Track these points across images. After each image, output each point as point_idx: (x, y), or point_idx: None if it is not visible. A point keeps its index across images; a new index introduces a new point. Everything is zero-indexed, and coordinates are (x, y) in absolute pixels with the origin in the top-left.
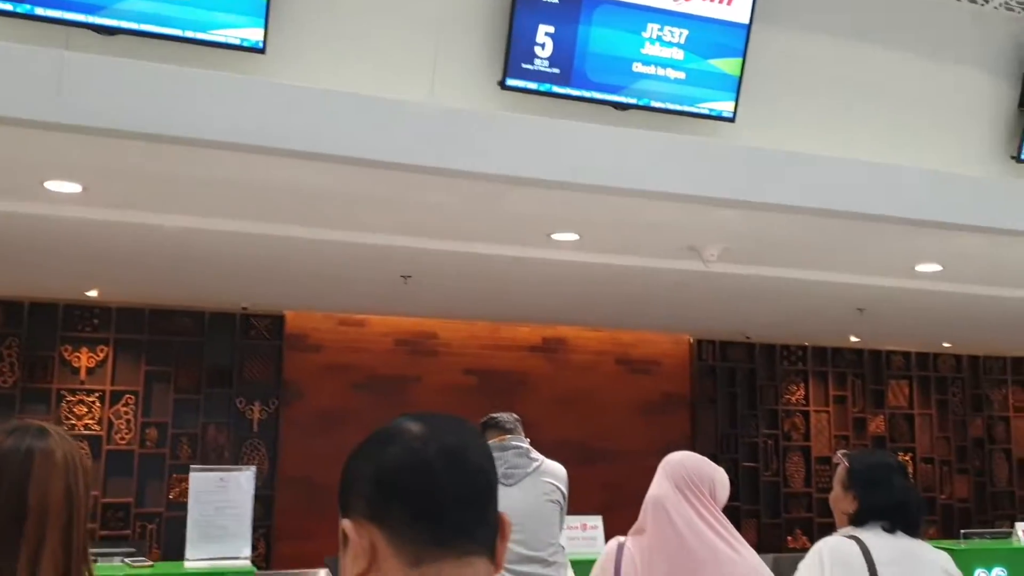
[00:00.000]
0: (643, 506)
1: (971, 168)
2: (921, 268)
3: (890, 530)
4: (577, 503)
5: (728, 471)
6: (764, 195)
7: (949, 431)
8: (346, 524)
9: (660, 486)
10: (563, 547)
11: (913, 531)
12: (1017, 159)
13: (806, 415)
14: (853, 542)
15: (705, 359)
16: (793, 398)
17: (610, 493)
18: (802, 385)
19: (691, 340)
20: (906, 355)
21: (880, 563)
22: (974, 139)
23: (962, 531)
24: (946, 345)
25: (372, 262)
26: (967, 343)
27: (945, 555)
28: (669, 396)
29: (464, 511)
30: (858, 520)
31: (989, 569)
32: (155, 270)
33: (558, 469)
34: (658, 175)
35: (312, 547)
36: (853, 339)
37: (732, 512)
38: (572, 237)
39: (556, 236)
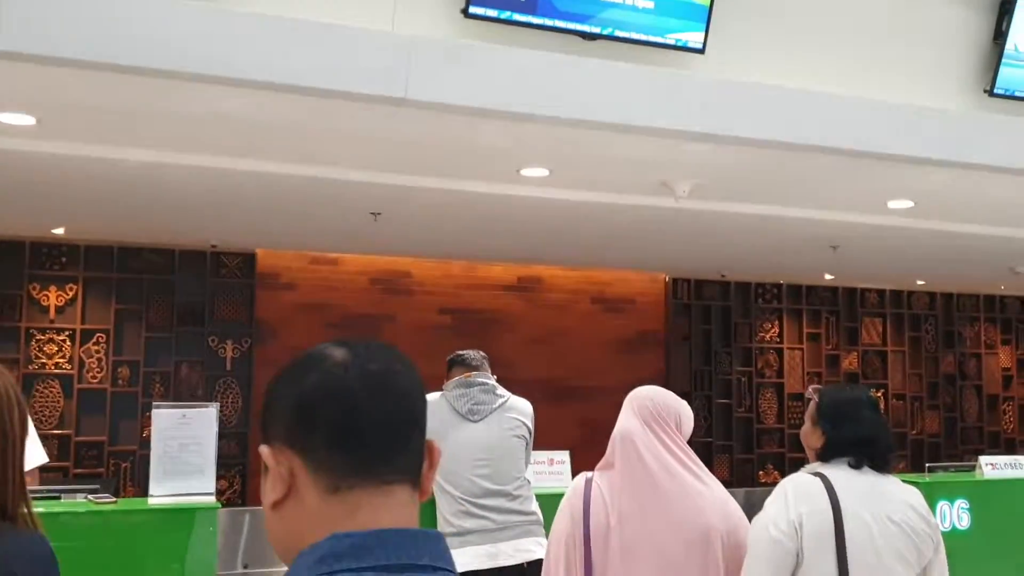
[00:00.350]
0: (611, 441)
1: (944, 102)
2: (893, 204)
3: (856, 466)
4: (552, 440)
5: (701, 408)
6: (734, 129)
7: (921, 368)
8: (264, 450)
9: (628, 420)
10: (528, 481)
11: (881, 467)
12: (990, 93)
13: (780, 352)
14: (818, 479)
15: (680, 297)
16: (767, 336)
17: (585, 430)
18: (776, 323)
19: (666, 279)
20: (880, 293)
21: (844, 499)
22: (947, 72)
23: (927, 465)
24: (920, 283)
25: (341, 198)
26: (940, 281)
27: (914, 491)
28: (644, 334)
29: (385, 438)
30: (825, 455)
31: (952, 501)
32: (120, 207)
33: (524, 405)
34: (626, 108)
35: None
36: (828, 277)
37: (705, 447)
38: (542, 172)
39: (526, 171)
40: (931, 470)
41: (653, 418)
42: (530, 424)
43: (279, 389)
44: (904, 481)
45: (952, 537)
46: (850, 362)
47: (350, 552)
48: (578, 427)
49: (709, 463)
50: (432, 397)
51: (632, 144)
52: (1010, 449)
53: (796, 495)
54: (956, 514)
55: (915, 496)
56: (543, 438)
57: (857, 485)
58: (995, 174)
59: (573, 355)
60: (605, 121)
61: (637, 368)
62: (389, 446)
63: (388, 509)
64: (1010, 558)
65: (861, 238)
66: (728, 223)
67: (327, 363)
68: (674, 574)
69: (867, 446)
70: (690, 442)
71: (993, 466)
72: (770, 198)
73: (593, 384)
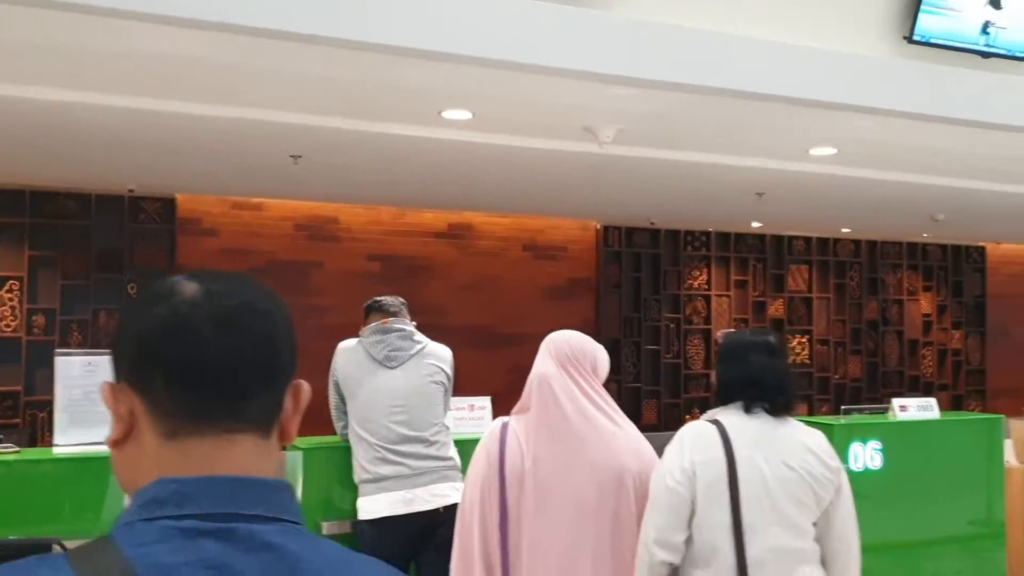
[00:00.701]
0: (527, 385)
1: (864, 48)
2: (815, 152)
3: (748, 410)
4: (482, 386)
5: (631, 354)
6: (655, 72)
7: (845, 314)
8: (104, 388)
9: (545, 364)
10: (447, 427)
11: (776, 411)
12: (909, 39)
13: (708, 299)
14: (713, 426)
15: (611, 245)
16: (696, 283)
17: (516, 376)
18: (705, 270)
19: (598, 226)
20: (807, 240)
21: (738, 444)
22: (867, 19)
23: (842, 408)
24: (845, 230)
25: (259, 140)
26: (865, 228)
27: (816, 435)
28: (575, 281)
29: (232, 384)
30: (719, 398)
31: (865, 442)
32: (30, 149)
33: (442, 351)
34: (547, 49)
35: None
36: (755, 225)
37: (634, 393)
38: (464, 115)
39: (447, 114)
40: (846, 412)
41: (569, 361)
42: (449, 370)
43: (124, 323)
44: (819, 424)
45: (865, 477)
46: (776, 308)
47: (172, 499)
48: (508, 373)
49: (638, 408)
50: (348, 344)
51: (554, 87)
52: (928, 392)
53: (691, 443)
54: (869, 455)
55: (816, 440)
56: (473, 385)
57: (751, 430)
58: (915, 121)
59: (504, 302)
60: (526, 63)
61: (568, 315)
62: (237, 393)
63: (229, 457)
64: (920, 496)
65: (785, 185)
66: (654, 170)
67: (175, 298)
68: (588, 515)
69: (752, 388)
70: (619, 387)
71: (904, 408)
72: (694, 145)
73: (524, 331)
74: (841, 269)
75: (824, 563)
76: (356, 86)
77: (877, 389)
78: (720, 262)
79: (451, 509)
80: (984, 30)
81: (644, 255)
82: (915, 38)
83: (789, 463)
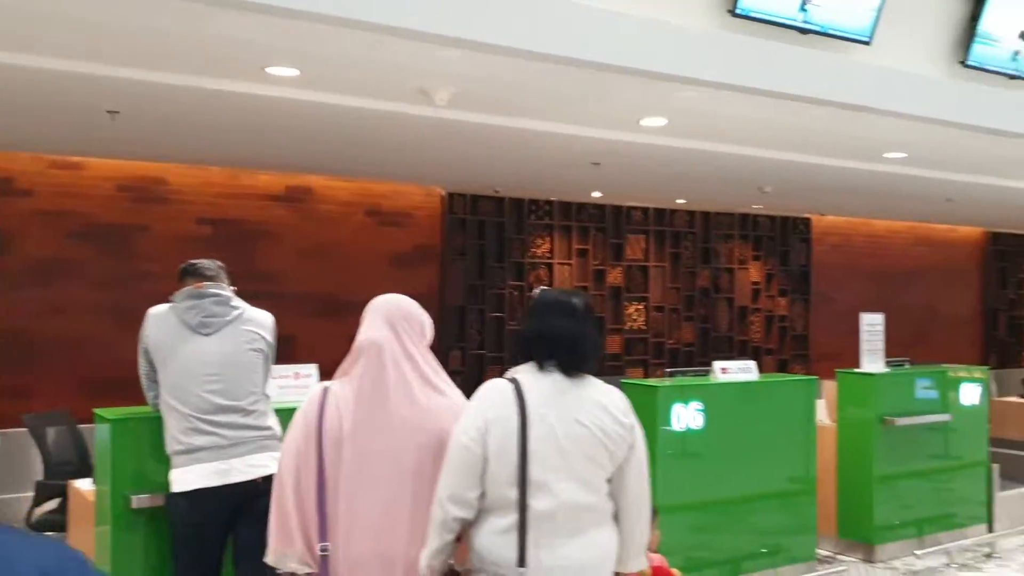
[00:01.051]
0: (353, 349)
1: (690, 19)
2: (646, 122)
3: (541, 367)
4: (323, 355)
5: (475, 321)
6: (484, 35)
7: (680, 282)
8: None
9: (375, 328)
10: (268, 396)
11: (567, 369)
12: (732, 12)
13: (550, 267)
14: (509, 383)
15: (457, 212)
16: (539, 251)
17: None
18: (548, 239)
19: (443, 193)
20: (644, 210)
21: (531, 403)
22: None
23: (667, 370)
24: (680, 201)
25: (71, 94)
26: (698, 200)
27: (613, 394)
28: (420, 249)
29: None
30: (517, 356)
31: (686, 403)
32: None
33: (262, 317)
34: (375, 5)
35: (30, 405)
36: (595, 194)
37: (478, 359)
38: (291, 72)
39: (272, 70)
40: (671, 375)
41: (400, 326)
42: (270, 337)
43: None
44: (643, 386)
45: (687, 437)
46: (615, 277)
47: None
48: (350, 342)
49: (481, 374)
50: (158, 309)
51: (385, 46)
52: (756, 356)
53: (486, 401)
54: (691, 415)
55: (612, 398)
56: (313, 354)
57: (546, 388)
58: (739, 94)
59: (346, 269)
60: (353, 18)
61: (412, 282)
62: None
63: None
64: (739, 454)
65: (619, 155)
66: (492, 136)
67: None
68: (407, 479)
69: (545, 346)
70: (463, 354)
71: (725, 370)
72: (531, 112)
73: (367, 299)
74: (676, 239)
75: (616, 518)
76: (174, 37)
77: (708, 353)
78: (562, 231)
79: (270, 480)
80: (802, 7)
81: (489, 223)
82: (738, 11)
83: (582, 420)
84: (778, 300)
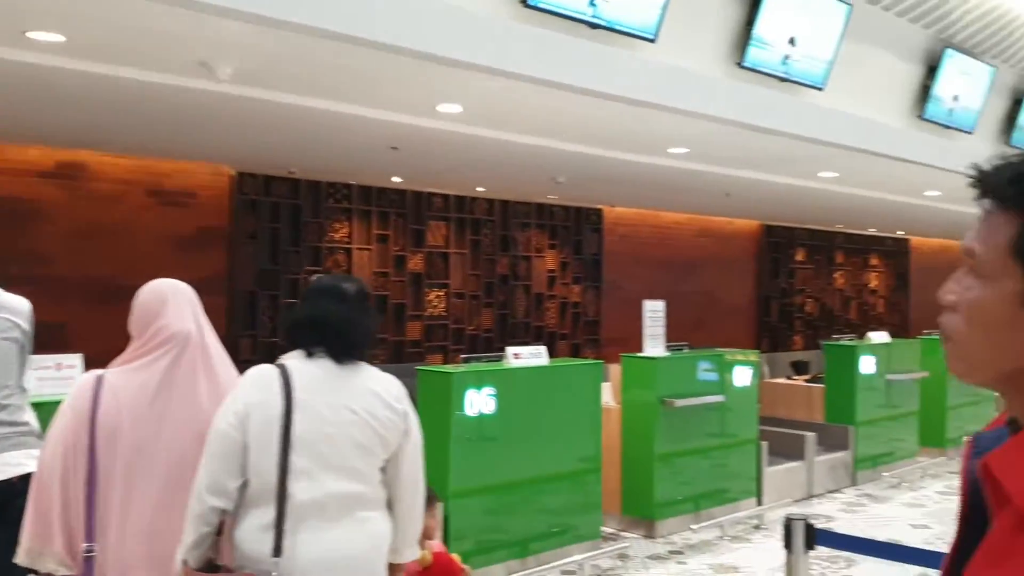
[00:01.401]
0: (146, 336)
1: (485, 8)
2: (442, 108)
3: (311, 355)
4: (101, 343)
5: (267, 308)
6: (267, 9)
7: (480, 269)
8: None
9: (182, 318)
10: (23, 389)
11: (336, 356)
12: (524, 3)
13: (349, 252)
14: (276, 367)
15: (247, 193)
16: (337, 235)
17: None
18: (347, 223)
19: (232, 172)
20: (445, 197)
21: (298, 389)
22: None
23: (462, 357)
24: (480, 189)
25: None
26: (497, 188)
27: (387, 381)
28: (205, 231)
29: None
30: (288, 343)
31: (479, 388)
32: None
33: (19, 303)
34: None
35: None
36: (396, 179)
37: (270, 348)
38: (55, 38)
39: (34, 35)
40: (466, 361)
41: (202, 317)
42: (26, 324)
43: None
44: (437, 372)
45: (481, 421)
46: (415, 263)
47: None
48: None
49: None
50: None
51: (159, 14)
52: (551, 341)
53: (248, 386)
54: (484, 400)
55: (385, 385)
56: (88, 343)
57: (315, 375)
58: (533, 85)
59: (124, 251)
60: None
61: (197, 266)
62: None
63: None
64: (529, 437)
65: (418, 141)
66: (283, 115)
67: None
68: (187, 471)
69: (312, 332)
70: (254, 342)
71: (518, 356)
72: (322, 92)
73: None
74: (476, 226)
75: (391, 506)
76: None
77: (506, 339)
78: (362, 215)
79: (27, 480)
80: (592, 2)
81: (283, 205)
82: (530, 3)
83: (352, 408)
84: (572, 287)
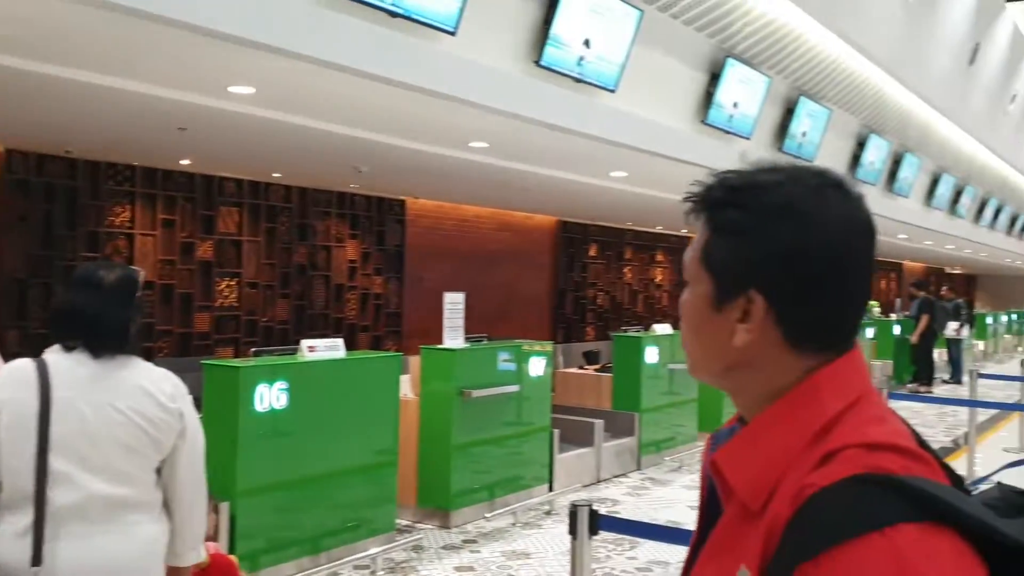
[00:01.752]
0: None
1: None
2: (234, 89)
3: (69, 348)
4: None
5: (39, 296)
6: None
7: (275, 258)
8: None
9: None
10: None
11: (94, 351)
12: None
13: (131, 238)
14: (33, 362)
15: (17, 172)
16: (118, 220)
17: None
18: (129, 207)
19: (0, 151)
20: (239, 182)
21: (57, 385)
22: None
23: (252, 349)
24: (276, 175)
25: None
26: (295, 175)
27: (161, 378)
28: None
29: None
30: (51, 336)
31: (271, 383)
32: None
33: None
34: None
35: None
36: (184, 162)
37: (40, 339)
38: None
39: None
40: (257, 354)
41: None
42: None
43: None
44: (225, 366)
45: (272, 417)
46: (205, 250)
47: None
48: None
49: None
50: None
51: None
52: (351, 333)
53: (8, 380)
54: (275, 395)
55: (157, 382)
56: None
57: (77, 371)
58: (330, 70)
59: None
60: None
61: None
62: None
63: None
64: (325, 431)
65: (208, 122)
66: (57, 89)
67: None
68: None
69: (67, 325)
70: (23, 333)
71: (312, 349)
72: (102, 66)
73: None
74: (272, 213)
75: (168, 508)
76: None
77: (304, 331)
78: (145, 199)
79: None
80: None
81: (58, 186)
82: None
83: (118, 406)
84: (374, 279)
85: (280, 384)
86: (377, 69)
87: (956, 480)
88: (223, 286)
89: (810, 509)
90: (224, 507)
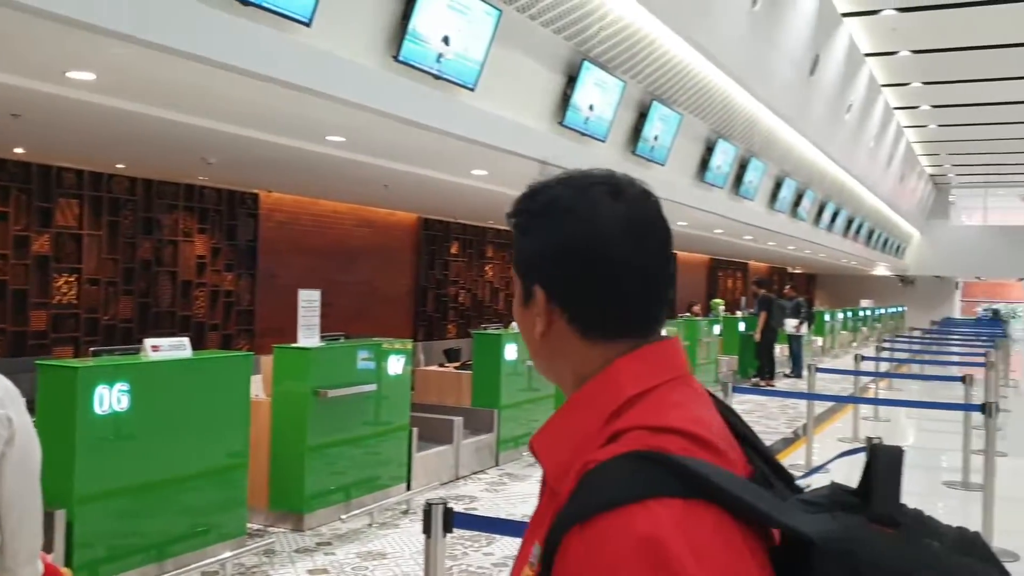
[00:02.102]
0: None
1: None
2: (73, 75)
3: None
4: None
5: None
6: None
7: (118, 252)
8: None
9: None
10: None
11: None
12: None
13: None
14: None
15: None
16: None
17: None
18: None
19: None
20: (79, 173)
21: None
22: None
23: (91, 349)
24: (120, 166)
25: None
26: (140, 166)
27: None
28: None
29: None
30: None
31: (111, 385)
32: None
33: None
34: None
35: None
36: (18, 151)
37: None
38: None
39: None
40: (96, 354)
41: None
42: None
43: None
44: (59, 367)
45: (113, 420)
46: (42, 245)
47: None
48: None
49: None
50: None
51: None
52: (200, 331)
53: None
54: (115, 397)
55: None
56: None
57: None
58: (174, 56)
59: None
60: None
61: None
62: None
63: None
64: (170, 434)
65: (44, 109)
66: None
67: None
68: None
69: None
70: None
71: (156, 348)
72: None
73: None
74: (115, 206)
75: None
76: None
77: (148, 330)
78: None
79: None
80: None
81: None
82: None
83: None
84: (224, 275)
85: (121, 385)
86: (227, 58)
87: (770, 475)
88: (61, 282)
89: (586, 480)
90: (60, 515)
